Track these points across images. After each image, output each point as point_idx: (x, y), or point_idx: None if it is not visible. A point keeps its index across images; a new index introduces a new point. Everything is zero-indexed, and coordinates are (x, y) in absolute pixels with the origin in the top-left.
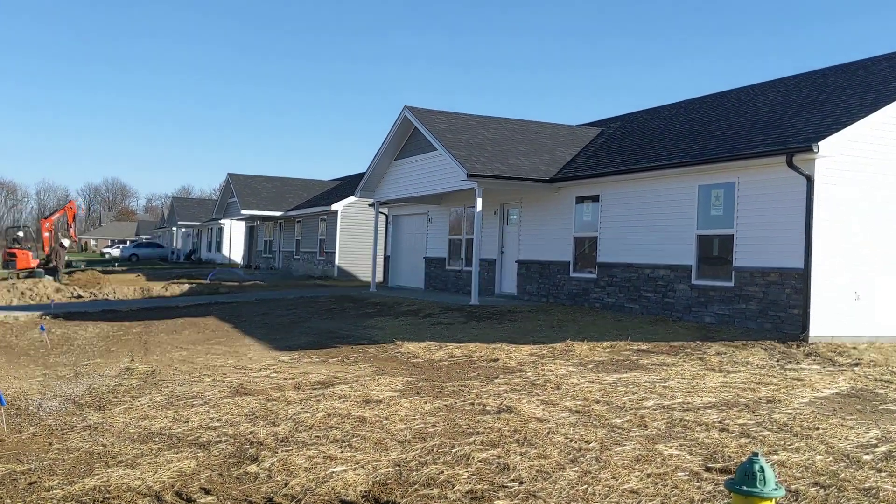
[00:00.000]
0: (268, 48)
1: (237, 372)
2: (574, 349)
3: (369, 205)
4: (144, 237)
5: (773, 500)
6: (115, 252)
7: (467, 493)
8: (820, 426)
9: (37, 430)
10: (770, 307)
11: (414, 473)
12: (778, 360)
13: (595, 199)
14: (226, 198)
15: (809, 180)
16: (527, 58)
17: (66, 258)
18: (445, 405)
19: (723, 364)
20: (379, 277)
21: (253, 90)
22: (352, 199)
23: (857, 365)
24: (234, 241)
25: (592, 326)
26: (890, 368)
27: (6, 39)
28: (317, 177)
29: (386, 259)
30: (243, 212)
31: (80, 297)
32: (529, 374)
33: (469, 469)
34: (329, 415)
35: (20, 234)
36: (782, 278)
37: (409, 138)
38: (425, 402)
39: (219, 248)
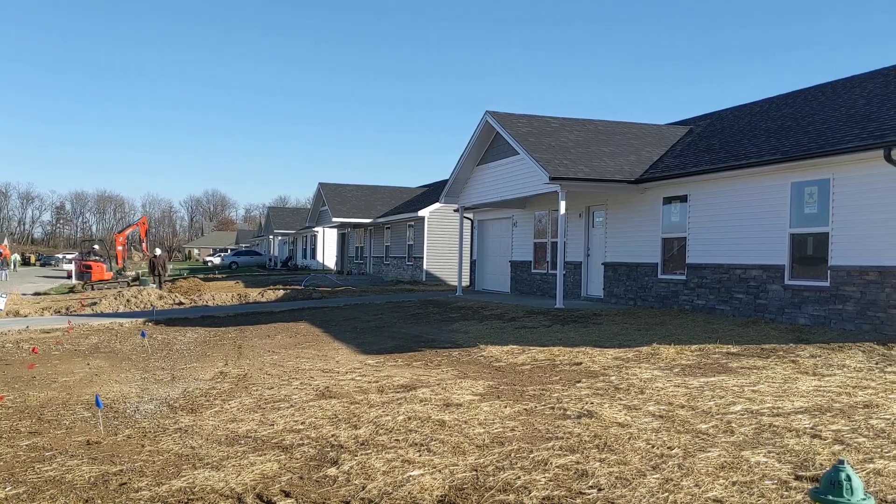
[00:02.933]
0: (350, 67)
1: (324, 375)
2: (660, 352)
3: (454, 210)
4: (244, 245)
5: None
6: (217, 260)
7: (544, 499)
8: None
9: (132, 432)
10: (869, 307)
11: (491, 478)
12: (877, 363)
13: (683, 199)
14: (318, 206)
15: None
16: (618, 55)
17: (171, 266)
18: (525, 409)
19: (817, 367)
20: (465, 282)
21: (342, 105)
22: (437, 205)
23: None
24: (327, 248)
25: (681, 329)
26: None
27: (116, 63)
28: (404, 185)
29: (472, 263)
30: (334, 219)
31: (181, 303)
32: (613, 377)
33: (547, 475)
34: (409, 418)
35: (96, 247)
36: (882, 277)
37: (491, 143)
38: (505, 406)
39: (313, 255)
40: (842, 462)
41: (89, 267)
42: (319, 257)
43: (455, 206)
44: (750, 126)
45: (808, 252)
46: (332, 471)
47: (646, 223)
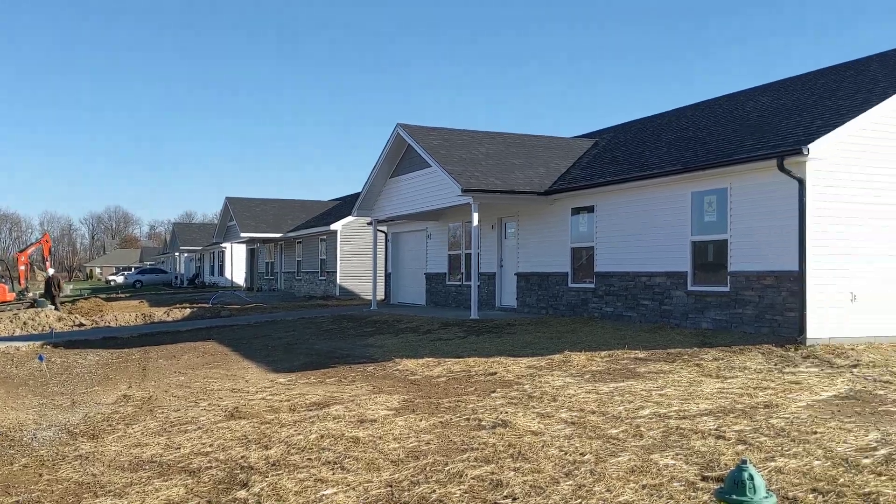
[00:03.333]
0: (260, 77)
1: (233, 395)
2: (572, 360)
3: (367, 223)
4: (148, 263)
5: None
6: (120, 279)
7: None
8: (818, 430)
9: (28, 461)
10: (767, 311)
11: (406, 493)
12: (776, 364)
13: (590, 209)
14: (225, 221)
15: (801, 183)
16: (525, 73)
17: (70, 287)
18: (440, 422)
19: (720, 370)
20: (380, 295)
21: (250, 118)
22: (350, 218)
23: (855, 366)
24: (235, 264)
25: (591, 336)
26: (890, 369)
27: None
28: (316, 198)
29: (387, 276)
30: (242, 235)
31: (81, 325)
32: (527, 386)
33: (462, 487)
34: (322, 436)
35: None
36: (778, 281)
37: (403, 155)
38: (420, 420)
39: (221, 272)
40: (745, 462)
41: None
42: (228, 274)
43: (368, 220)
44: (652, 138)
45: (710, 259)
46: (242, 493)
47: (556, 233)
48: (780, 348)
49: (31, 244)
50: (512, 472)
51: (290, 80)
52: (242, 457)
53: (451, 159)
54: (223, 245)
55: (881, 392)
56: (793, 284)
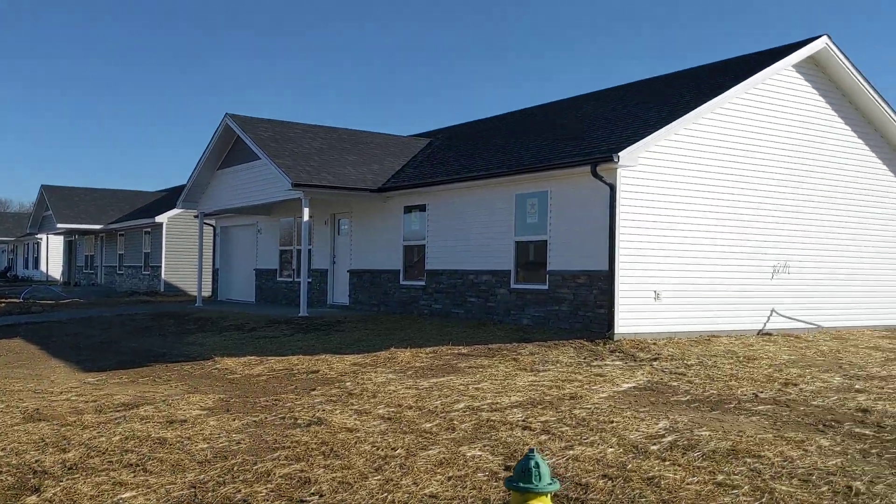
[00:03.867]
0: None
1: (35, 396)
2: (397, 356)
3: (195, 216)
4: None
5: (549, 494)
6: None
7: None
8: (615, 420)
9: None
10: (580, 308)
11: (210, 494)
12: (585, 358)
13: (422, 208)
14: (41, 211)
15: (612, 189)
16: (363, 72)
17: None
18: (255, 421)
19: (535, 364)
20: (207, 292)
21: (76, 102)
22: (177, 210)
23: (655, 360)
24: (52, 258)
25: (419, 333)
26: (685, 362)
27: None
28: (144, 189)
29: (215, 272)
30: (59, 226)
31: None
32: (348, 383)
33: (269, 485)
34: (126, 438)
35: None
36: (590, 280)
37: (232, 147)
38: (234, 420)
39: (36, 265)
40: (532, 451)
41: None
42: (44, 267)
43: (196, 212)
44: (483, 140)
45: (531, 258)
46: (33, 499)
47: (388, 231)
48: (590, 343)
49: None
50: (322, 470)
51: (130, 75)
52: (37, 461)
53: (283, 153)
54: (39, 236)
55: (675, 383)
56: (603, 283)
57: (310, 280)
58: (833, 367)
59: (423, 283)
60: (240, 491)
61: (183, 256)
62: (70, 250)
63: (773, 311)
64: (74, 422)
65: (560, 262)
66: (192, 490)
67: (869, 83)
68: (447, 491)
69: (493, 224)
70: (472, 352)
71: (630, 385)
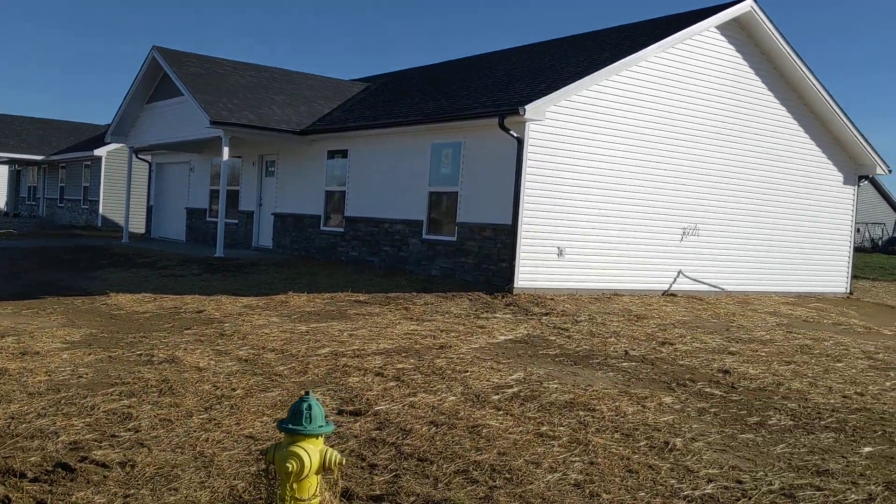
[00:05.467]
0: None
1: None
2: (292, 301)
3: (132, 152)
4: None
5: (319, 436)
6: None
7: (70, 443)
8: (471, 370)
9: None
10: (484, 261)
11: (23, 426)
12: (476, 310)
13: (344, 154)
14: None
15: (520, 142)
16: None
17: None
18: (109, 357)
19: (424, 314)
20: (141, 228)
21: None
22: (118, 145)
23: (547, 314)
24: (2, 187)
25: (327, 279)
26: (575, 317)
27: None
28: (94, 122)
29: (149, 209)
30: None
31: None
32: (227, 325)
33: (88, 419)
34: None
35: None
36: (495, 234)
37: (160, 81)
38: (89, 354)
39: None
40: (307, 393)
41: None
42: None
43: (130, 147)
44: (412, 88)
45: (443, 209)
46: None
47: (312, 175)
48: (488, 296)
49: None
50: (149, 406)
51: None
52: None
53: (207, 89)
54: None
55: (553, 338)
56: (506, 237)
57: (236, 221)
58: (720, 329)
59: (342, 229)
60: (55, 423)
61: (122, 192)
62: (16, 180)
63: (679, 272)
64: None
65: (469, 214)
66: (9, 421)
67: (791, 46)
68: (268, 431)
69: (409, 173)
70: (369, 300)
71: (507, 337)
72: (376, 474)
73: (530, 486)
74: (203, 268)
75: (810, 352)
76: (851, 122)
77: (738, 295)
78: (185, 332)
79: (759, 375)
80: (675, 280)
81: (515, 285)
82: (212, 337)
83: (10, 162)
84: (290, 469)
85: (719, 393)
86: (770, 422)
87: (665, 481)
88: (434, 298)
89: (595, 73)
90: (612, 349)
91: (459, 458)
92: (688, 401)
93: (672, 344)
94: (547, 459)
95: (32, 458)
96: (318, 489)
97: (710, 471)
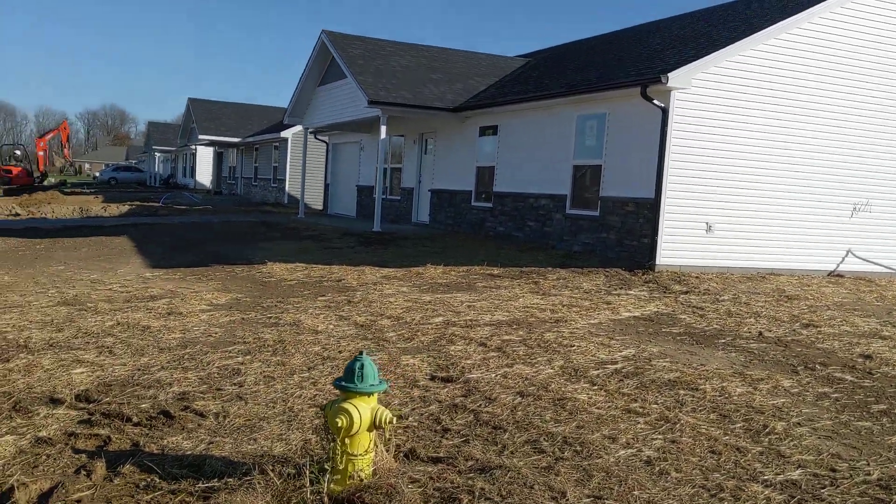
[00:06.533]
0: None
1: (88, 285)
2: (427, 272)
3: (310, 132)
4: (133, 161)
5: (371, 394)
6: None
7: (179, 394)
8: (579, 344)
9: None
10: (626, 236)
11: (146, 377)
12: (609, 287)
13: (494, 130)
14: (188, 123)
15: (664, 112)
16: None
17: (53, 179)
18: (243, 318)
19: (553, 288)
20: (319, 205)
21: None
22: (302, 127)
23: (687, 293)
24: (205, 167)
25: (469, 252)
26: (717, 296)
27: None
28: (281, 105)
29: (326, 187)
30: (201, 137)
31: (17, 214)
32: (359, 293)
33: (202, 373)
34: (118, 324)
35: (17, 152)
36: (637, 208)
37: (330, 64)
38: (226, 316)
39: (193, 174)
40: (361, 353)
41: (10, 171)
42: (199, 176)
43: (305, 128)
44: (569, 61)
45: (587, 183)
46: None
47: (465, 151)
48: (628, 272)
49: (49, 130)
50: (259, 363)
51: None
52: (29, 337)
53: (367, 70)
54: (193, 147)
55: (683, 316)
56: (649, 212)
57: (398, 198)
58: (881, 312)
59: (490, 204)
60: (172, 375)
61: (309, 171)
62: (219, 161)
63: (848, 251)
64: (92, 308)
65: (612, 188)
66: (135, 371)
67: None
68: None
69: (555, 147)
70: (502, 273)
71: (632, 314)
72: (447, 438)
73: (598, 461)
74: (359, 241)
75: None
76: None
77: None
78: (319, 298)
79: None
80: (843, 260)
81: (657, 262)
82: (340, 303)
83: (211, 144)
84: (339, 424)
85: (850, 378)
86: None
87: (748, 464)
88: (568, 273)
89: (747, 39)
90: (745, 329)
91: (534, 429)
92: (809, 385)
93: (816, 326)
94: (626, 435)
95: (143, 405)
96: (370, 445)
97: (804, 457)
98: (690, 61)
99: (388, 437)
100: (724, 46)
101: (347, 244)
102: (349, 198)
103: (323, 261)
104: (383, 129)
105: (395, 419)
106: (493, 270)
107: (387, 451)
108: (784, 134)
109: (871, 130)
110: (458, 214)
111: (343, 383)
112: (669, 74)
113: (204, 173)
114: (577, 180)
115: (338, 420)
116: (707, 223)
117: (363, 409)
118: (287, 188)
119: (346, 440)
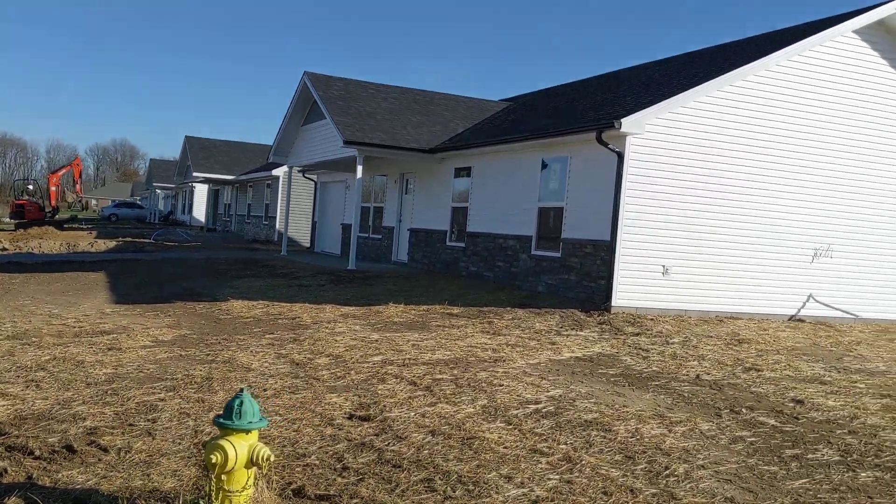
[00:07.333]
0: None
1: (45, 320)
2: (387, 311)
3: (298, 171)
4: (137, 198)
5: (249, 431)
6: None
7: (90, 428)
8: (509, 384)
9: None
10: (585, 278)
11: (64, 411)
12: (562, 327)
13: (468, 171)
14: (184, 161)
15: (620, 157)
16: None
17: (62, 215)
18: (181, 355)
19: (506, 328)
20: (308, 243)
21: (255, 61)
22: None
23: (638, 334)
24: (200, 204)
25: (436, 292)
26: (668, 339)
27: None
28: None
29: (314, 225)
30: (196, 174)
31: (4, 249)
32: (309, 331)
33: (119, 408)
34: (54, 358)
35: (30, 187)
36: (595, 250)
37: (312, 104)
38: (166, 352)
39: (190, 211)
40: (241, 391)
41: (22, 206)
42: (196, 213)
43: (290, 166)
44: (543, 106)
45: (551, 225)
46: None
47: (441, 192)
48: (583, 313)
49: (62, 167)
50: (180, 400)
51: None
52: None
53: (347, 111)
54: (193, 184)
55: (626, 358)
56: (606, 254)
57: (379, 237)
58: (831, 358)
59: (463, 245)
60: (90, 410)
61: (297, 209)
62: (215, 198)
63: (809, 296)
64: (36, 342)
65: (573, 230)
66: (55, 405)
67: None
68: (283, 427)
69: (522, 189)
70: (461, 313)
71: (574, 355)
72: (343, 476)
73: (486, 500)
74: (330, 279)
75: None
76: None
77: (879, 323)
78: (267, 335)
79: (836, 408)
80: (804, 305)
81: (614, 304)
82: (285, 341)
83: (206, 181)
84: (214, 461)
85: (773, 422)
86: (811, 456)
87: None
88: (526, 314)
89: (702, 86)
90: (684, 372)
91: (433, 468)
92: (727, 428)
93: (758, 370)
94: (523, 475)
95: (52, 439)
96: (248, 482)
97: (696, 499)
98: (644, 107)
99: (267, 474)
100: (676, 94)
101: (318, 282)
102: (335, 236)
103: (287, 298)
104: (359, 168)
105: (272, 457)
106: (452, 310)
107: (268, 488)
108: (741, 179)
109: (833, 176)
110: (433, 254)
111: (221, 420)
112: (623, 120)
113: (200, 210)
114: (542, 222)
115: (212, 456)
116: (664, 266)
117: (239, 446)
118: (277, 226)
119: (223, 476)
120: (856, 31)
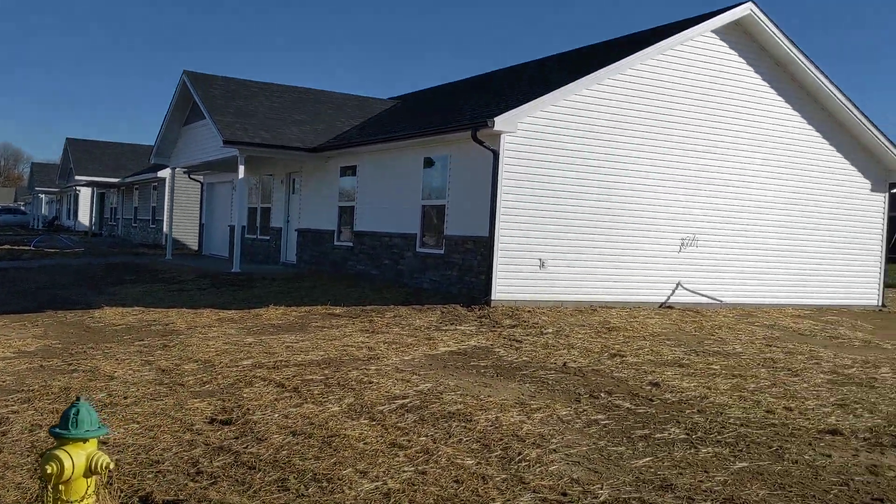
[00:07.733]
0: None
1: None
2: (266, 314)
3: (182, 172)
4: (21, 203)
5: (87, 440)
6: None
7: None
8: (379, 381)
9: None
10: (466, 273)
11: None
12: (441, 323)
13: (353, 170)
14: (66, 164)
15: (495, 155)
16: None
17: None
18: (42, 366)
19: (385, 326)
20: (196, 246)
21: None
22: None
23: (515, 326)
24: (85, 209)
25: (320, 292)
26: (542, 329)
27: None
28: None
29: (201, 227)
30: (78, 177)
31: None
32: (181, 337)
33: None
34: None
35: None
36: (475, 246)
37: (193, 104)
38: (27, 363)
39: (76, 215)
40: (78, 399)
41: None
42: (81, 218)
43: (172, 167)
44: (428, 104)
45: (434, 222)
46: None
47: (328, 192)
48: (464, 308)
49: None
50: (32, 412)
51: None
52: None
53: (227, 110)
54: (77, 188)
55: (499, 350)
56: (485, 250)
57: (267, 238)
58: (692, 342)
59: (351, 244)
60: None
61: (185, 212)
62: (101, 202)
63: (678, 283)
64: None
65: (455, 227)
66: None
67: (802, 52)
68: (127, 437)
69: (406, 188)
70: (343, 312)
71: (450, 349)
72: (196, 481)
73: (338, 496)
74: (212, 283)
75: (773, 366)
76: (876, 128)
77: (743, 307)
78: (136, 343)
79: (689, 389)
80: (673, 292)
81: (493, 297)
82: (154, 348)
83: (90, 185)
84: (49, 471)
85: (627, 405)
86: (658, 435)
87: (486, 492)
88: (408, 311)
89: (572, 84)
90: (552, 361)
91: (290, 468)
92: (584, 412)
93: (622, 356)
94: (378, 469)
95: None
96: (87, 491)
97: (543, 482)
98: (516, 106)
99: (106, 481)
100: (546, 93)
101: (199, 286)
102: (222, 238)
103: (164, 304)
104: (241, 168)
105: (111, 464)
106: (335, 310)
107: (111, 496)
108: (612, 173)
109: (697, 169)
110: (322, 254)
111: (57, 430)
112: (496, 119)
113: (85, 215)
114: (426, 220)
115: (48, 467)
116: (540, 259)
117: (77, 456)
118: (165, 229)
119: (61, 487)
120: (715, 31)
